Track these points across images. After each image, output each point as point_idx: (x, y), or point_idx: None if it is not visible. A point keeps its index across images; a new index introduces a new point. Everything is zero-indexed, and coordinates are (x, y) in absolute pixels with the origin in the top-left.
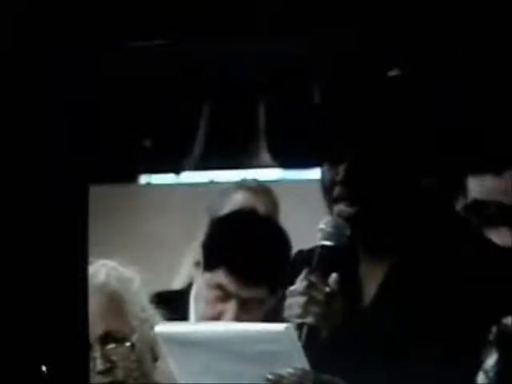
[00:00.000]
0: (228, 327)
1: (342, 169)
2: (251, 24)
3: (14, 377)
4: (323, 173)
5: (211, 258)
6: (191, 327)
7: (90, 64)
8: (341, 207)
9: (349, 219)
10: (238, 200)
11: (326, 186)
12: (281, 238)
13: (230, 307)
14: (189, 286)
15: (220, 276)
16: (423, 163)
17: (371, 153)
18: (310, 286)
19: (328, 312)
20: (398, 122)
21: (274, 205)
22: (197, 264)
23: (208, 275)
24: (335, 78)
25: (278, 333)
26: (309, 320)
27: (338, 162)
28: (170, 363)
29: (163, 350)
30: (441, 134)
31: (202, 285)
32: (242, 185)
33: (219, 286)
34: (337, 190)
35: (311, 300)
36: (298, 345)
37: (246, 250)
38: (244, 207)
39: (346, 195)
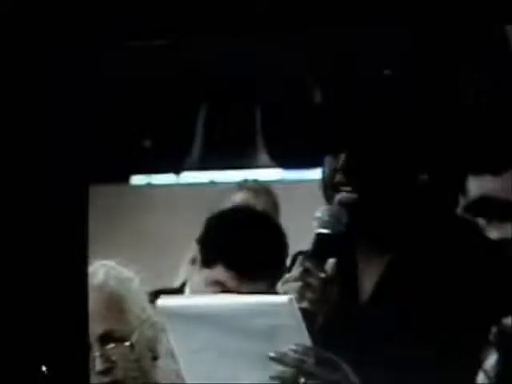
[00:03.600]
0: (230, 300)
1: (342, 157)
2: (251, 24)
3: (14, 377)
4: (324, 166)
5: (209, 255)
6: (193, 301)
7: (89, 64)
8: (342, 195)
9: (349, 206)
10: (238, 200)
11: (327, 176)
12: (277, 233)
13: None
14: (183, 285)
15: (218, 272)
16: (423, 158)
17: (372, 144)
18: (305, 271)
19: (323, 298)
20: (397, 120)
21: (274, 205)
22: (193, 261)
23: (206, 272)
24: (335, 77)
25: (280, 305)
26: (304, 305)
27: (338, 152)
28: (171, 338)
29: (164, 324)
30: (440, 132)
31: (199, 282)
32: (242, 185)
33: (218, 283)
34: (337, 178)
35: (306, 286)
36: (300, 318)
37: (244, 246)
38: (240, 204)
39: (346, 182)
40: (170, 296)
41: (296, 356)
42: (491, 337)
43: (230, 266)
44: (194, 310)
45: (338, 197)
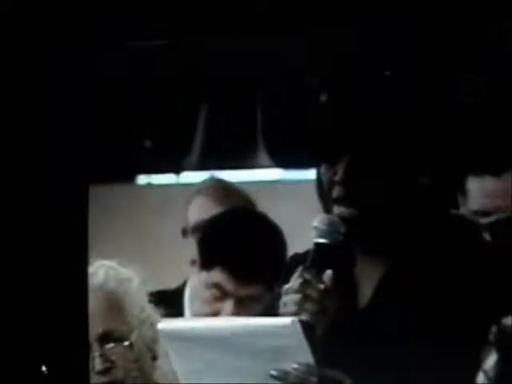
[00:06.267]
0: (232, 322)
1: (341, 168)
2: (251, 24)
3: (14, 377)
4: (321, 172)
5: (207, 257)
6: (194, 323)
7: (89, 64)
8: (341, 208)
9: (349, 220)
10: (196, 207)
11: (325, 186)
12: (276, 236)
13: (227, 306)
14: (183, 285)
15: (217, 275)
16: (422, 164)
17: (371, 153)
18: (305, 283)
19: (323, 309)
20: (397, 122)
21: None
22: (192, 263)
23: (204, 274)
24: (335, 77)
25: (283, 327)
26: (304, 317)
27: (336, 161)
28: (173, 361)
29: (166, 347)
30: (440, 135)
31: (197, 284)
32: (200, 190)
33: (216, 285)
34: (336, 190)
35: (306, 297)
36: (303, 339)
37: (242, 249)
38: (238, 206)
39: (345, 196)
40: (171, 319)
41: (299, 374)
42: (491, 337)
43: (227, 268)
44: (196, 332)
45: (337, 211)
